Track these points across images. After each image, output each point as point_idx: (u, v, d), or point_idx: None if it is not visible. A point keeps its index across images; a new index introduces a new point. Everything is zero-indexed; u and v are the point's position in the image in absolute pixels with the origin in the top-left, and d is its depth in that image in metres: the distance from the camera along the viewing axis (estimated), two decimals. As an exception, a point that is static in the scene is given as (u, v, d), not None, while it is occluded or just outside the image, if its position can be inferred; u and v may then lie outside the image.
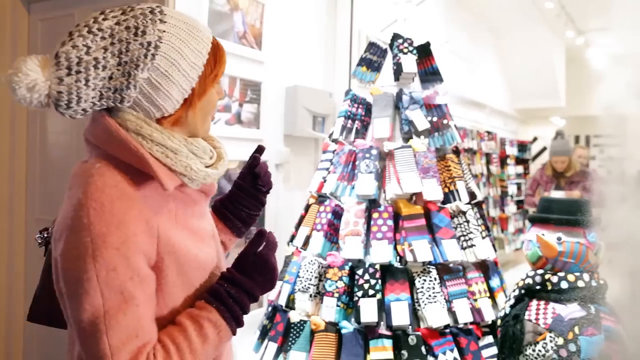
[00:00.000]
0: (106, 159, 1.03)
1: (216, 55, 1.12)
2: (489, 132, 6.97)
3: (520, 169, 7.91)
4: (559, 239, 1.88)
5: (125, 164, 1.02)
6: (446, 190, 2.48)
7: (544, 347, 1.79)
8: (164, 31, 1.03)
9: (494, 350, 2.29)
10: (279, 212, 3.31)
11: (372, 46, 2.78)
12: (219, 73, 1.13)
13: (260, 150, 1.40)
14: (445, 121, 2.60)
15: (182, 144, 1.08)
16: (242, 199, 1.38)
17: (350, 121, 2.66)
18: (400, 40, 2.67)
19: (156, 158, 1.04)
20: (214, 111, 1.16)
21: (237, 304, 1.09)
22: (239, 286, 1.11)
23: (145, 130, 1.04)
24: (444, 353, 2.20)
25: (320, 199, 2.63)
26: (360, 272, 2.30)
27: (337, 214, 2.48)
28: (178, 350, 1.02)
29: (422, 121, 2.51)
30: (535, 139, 8.96)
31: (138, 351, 0.98)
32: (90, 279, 0.95)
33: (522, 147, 8.26)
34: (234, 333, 1.10)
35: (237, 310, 1.09)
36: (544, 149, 8.62)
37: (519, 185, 7.66)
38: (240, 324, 1.11)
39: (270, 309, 2.57)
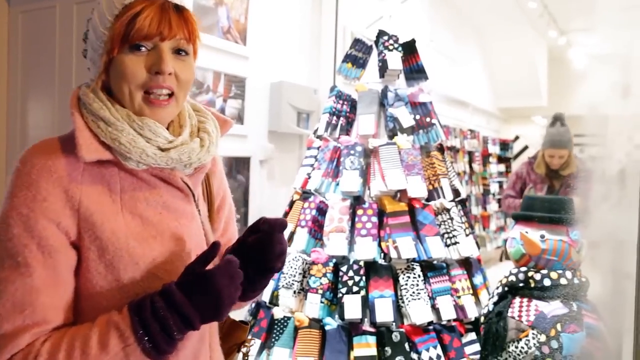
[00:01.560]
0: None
1: (123, 18, 0.98)
2: (471, 131, 7.02)
3: (502, 167, 7.98)
4: (542, 236, 1.89)
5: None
6: (430, 187, 2.48)
7: (526, 344, 1.80)
8: (99, 3, 1.03)
9: (476, 347, 2.31)
10: (263, 208, 3.29)
11: (357, 43, 2.78)
12: (130, 37, 0.98)
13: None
14: (429, 119, 2.60)
15: (120, 117, 1.00)
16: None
17: (335, 117, 2.65)
18: (386, 37, 2.67)
19: (89, 127, 1.00)
20: (134, 82, 1.00)
21: (157, 322, 0.90)
22: (169, 301, 0.92)
23: (87, 99, 1.02)
24: (427, 350, 2.20)
25: (305, 195, 2.62)
26: (344, 268, 2.30)
27: (322, 210, 2.48)
28: (69, 348, 0.90)
29: (407, 118, 2.51)
30: (517, 138, 9.03)
31: (23, 328, 0.90)
32: None
33: (505, 145, 8.33)
34: (147, 355, 0.91)
35: (154, 327, 0.90)
36: (526, 147, 8.68)
37: (501, 184, 7.72)
38: (157, 346, 0.91)
39: (253, 305, 2.55)
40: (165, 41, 1.00)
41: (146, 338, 0.90)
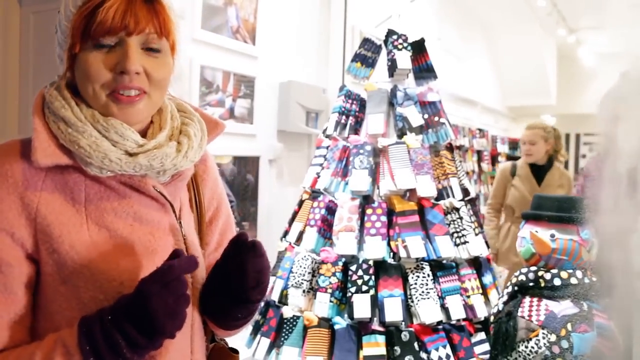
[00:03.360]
0: None
1: (83, 9, 0.87)
2: (480, 130, 7.00)
3: (511, 166, 7.94)
4: (552, 236, 1.88)
5: None
6: (440, 186, 2.48)
7: (536, 344, 1.79)
8: None
9: (486, 346, 2.30)
10: (272, 208, 3.30)
11: (366, 42, 2.78)
12: (91, 32, 0.87)
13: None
14: (439, 118, 2.60)
15: (84, 117, 0.90)
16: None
17: (344, 117, 2.65)
18: (395, 37, 2.66)
19: (50, 129, 0.91)
20: (98, 82, 0.89)
21: (106, 340, 0.80)
22: (113, 317, 0.81)
23: (49, 97, 0.92)
24: (437, 349, 2.20)
25: (314, 194, 2.62)
26: (353, 268, 2.30)
27: (331, 209, 2.48)
28: None
29: (416, 117, 2.51)
30: (525, 137, 9.00)
31: None
32: None
33: (514, 144, 8.29)
34: None
35: (100, 345, 0.80)
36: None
37: (509, 183, 7.69)
38: None
39: (262, 304, 2.56)
40: (132, 36, 0.88)
41: (91, 356, 0.80)
